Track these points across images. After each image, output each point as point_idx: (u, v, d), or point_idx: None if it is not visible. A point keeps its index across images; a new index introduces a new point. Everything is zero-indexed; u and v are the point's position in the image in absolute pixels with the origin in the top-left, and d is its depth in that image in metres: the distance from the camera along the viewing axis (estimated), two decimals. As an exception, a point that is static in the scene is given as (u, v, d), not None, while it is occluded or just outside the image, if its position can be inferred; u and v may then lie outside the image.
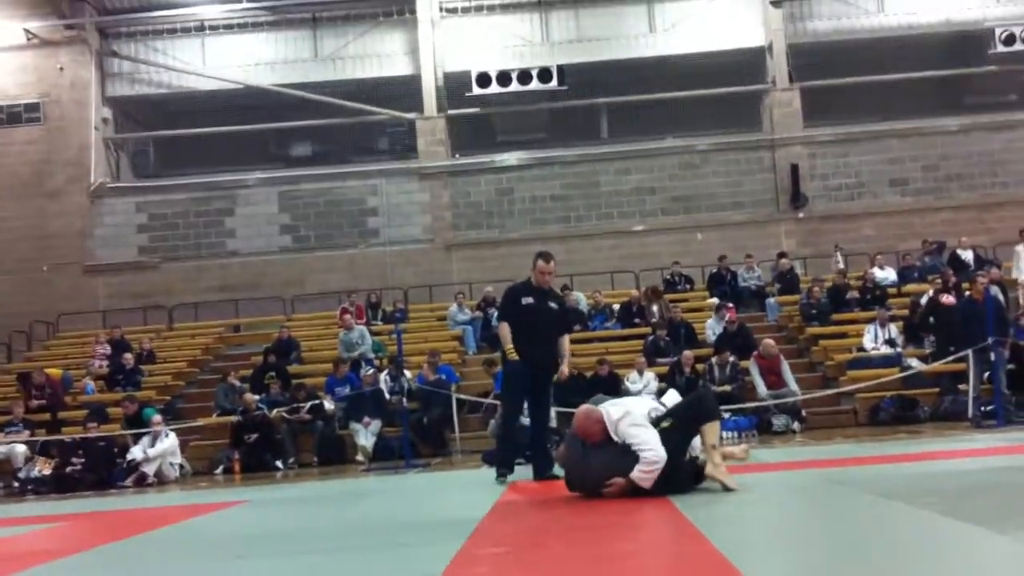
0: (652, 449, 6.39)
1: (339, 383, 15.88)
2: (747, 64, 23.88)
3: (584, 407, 6.86)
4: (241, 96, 24.02)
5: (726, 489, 6.48)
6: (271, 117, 24.24)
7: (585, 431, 6.66)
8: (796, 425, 14.60)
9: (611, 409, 6.68)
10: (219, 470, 14.87)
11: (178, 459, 14.58)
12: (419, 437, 14.87)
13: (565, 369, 8.69)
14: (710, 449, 6.64)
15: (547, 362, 8.61)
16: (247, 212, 23.75)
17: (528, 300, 8.63)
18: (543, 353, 8.57)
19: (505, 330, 8.63)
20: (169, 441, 14.35)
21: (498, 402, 14.10)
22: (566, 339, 8.86)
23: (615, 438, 6.55)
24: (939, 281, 17.08)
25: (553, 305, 8.80)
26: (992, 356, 12.65)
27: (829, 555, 4.33)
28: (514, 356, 8.50)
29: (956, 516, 4.86)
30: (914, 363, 15.48)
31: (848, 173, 23.27)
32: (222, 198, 23.91)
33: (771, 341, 15.79)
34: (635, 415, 6.65)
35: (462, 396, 15.44)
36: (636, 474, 6.37)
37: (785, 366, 15.34)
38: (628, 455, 6.46)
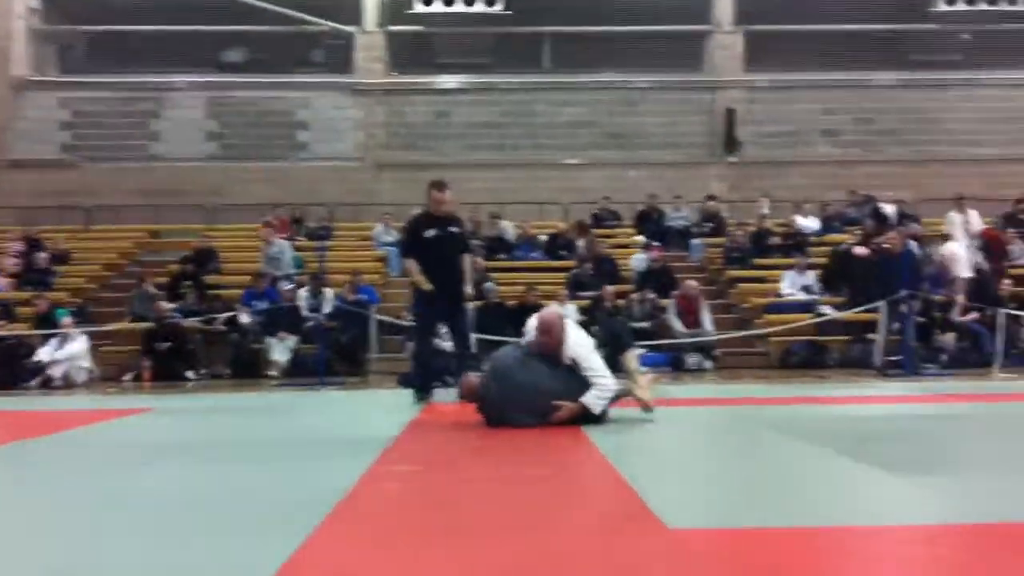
0: (606, 377, 6.50)
1: (257, 296, 15.65)
2: (693, 4, 23.71)
3: (555, 311, 6.87)
4: (176, -5, 23.16)
5: (647, 410, 6.67)
6: (206, 20, 23.41)
7: (550, 334, 6.51)
8: (708, 364, 14.86)
9: (569, 330, 6.70)
10: (128, 377, 14.60)
11: (87, 363, 14.29)
12: (336, 356, 14.77)
13: (468, 288, 9.02)
14: (634, 373, 6.84)
15: (456, 287, 8.88)
16: (174, 116, 23.06)
17: (430, 232, 8.85)
18: (450, 279, 8.81)
19: (412, 264, 8.91)
20: (78, 344, 14.04)
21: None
22: (467, 259, 9.14)
23: (564, 358, 6.52)
24: (859, 233, 17.42)
25: (453, 230, 9.01)
26: (903, 308, 12.95)
27: (728, 487, 4.39)
28: (426, 286, 8.71)
29: (854, 457, 4.96)
30: (828, 310, 15.81)
31: (783, 121, 23.38)
32: (149, 100, 23.15)
33: (693, 282, 15.97)
34: (589, 341, 6.74)
35: (382, 317, 15.35)
36: (591, 400, 6.39)
37: (704, 306, 15.54)
38: (576, 379, 6.46)
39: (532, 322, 6.82)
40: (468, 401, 6.86)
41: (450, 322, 9.07)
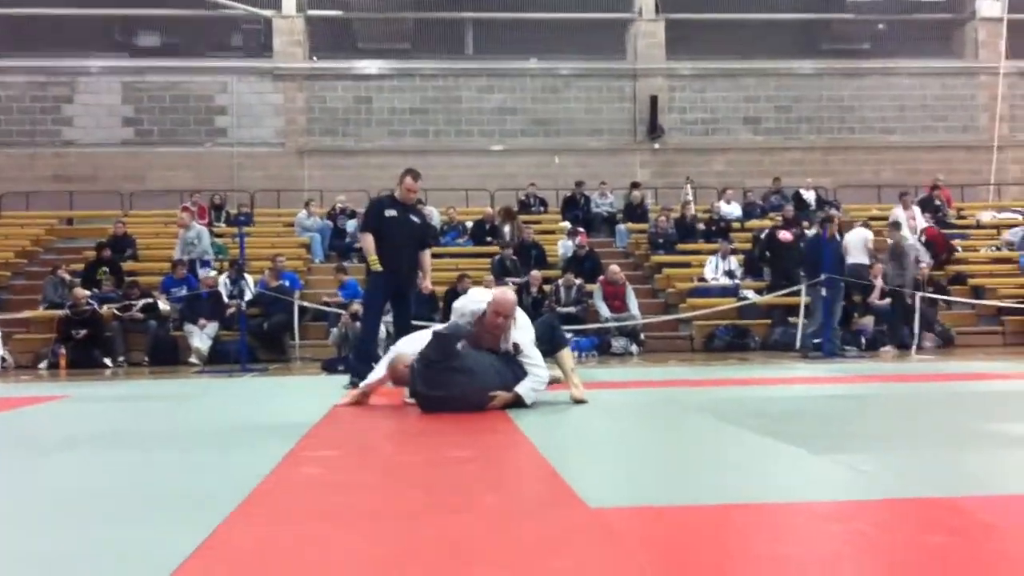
0: (542, 367, 6.54)
1: (176, 283, 15.37)
2: (616, -9, 23.85)
3: (511, 293, 6.84)
4: (89, -24, 22.53)
5: (580, 401, 6.72)
6: (120, 2, 22.85)
7: (507, 315, 6.45)
8: (635, 348, 14.98)
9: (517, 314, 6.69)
10: (44, 365, 14.24)
11: (0, 351, 13.87)
12: (258, 342, 14.61)
13: (427, 282, 9.11)
14: (570, 373, 6.93)
15: (408, 273, 8.86)
16: (87, 101, 22.48)
17: (392, 213, 8.80)
18: (404, 265, 8.79)
19: (369, 240, 8.80)
20: (-10, 333, 13.63)
21: (341, 311, 14.01)
22: (427, 254, 9.14)
23: (504, 344, 6.49)
24: (780, 218, 17.70)
25: (415, 219, 9.00)
26: (823, 292, 13.19)
27: (650, 467, 4.42)
28: (378, 267, 8.67)
29: (773, 436, 5.02)
30: (750, 295, 16.06)
31: (705, 108, 23.67)
32: (62, 84, 22.55)
33: (617, 267, 16.07)
34: (532, 329, 6.78)
35: (305, 303, 15.17)
36: (525, 390, 6.39)
37: (629, 291, 15.66)
38: (510, 367, 6.44)
39: (462, 303, 6.78)
40: (398, 385, 6.78)
41: (396, 306, 9.01)
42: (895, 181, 22.46)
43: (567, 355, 7.05)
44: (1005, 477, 3.96)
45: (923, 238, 17.51)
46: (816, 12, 24.09)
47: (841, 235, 14.00)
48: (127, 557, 2.72)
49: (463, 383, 6.23)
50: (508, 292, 6.90)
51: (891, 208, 18.48)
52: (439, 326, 6.94)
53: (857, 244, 14.60)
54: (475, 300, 6.76)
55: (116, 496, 3.76)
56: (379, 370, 7.15)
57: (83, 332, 14.30)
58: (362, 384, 7.33)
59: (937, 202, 19.94)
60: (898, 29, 24.23)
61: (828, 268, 13.12)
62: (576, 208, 20.15)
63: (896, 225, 15.77)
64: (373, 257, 8.67)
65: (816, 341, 13.59)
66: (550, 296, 15.60)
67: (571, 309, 15.28)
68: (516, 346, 6.53)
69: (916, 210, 18.08)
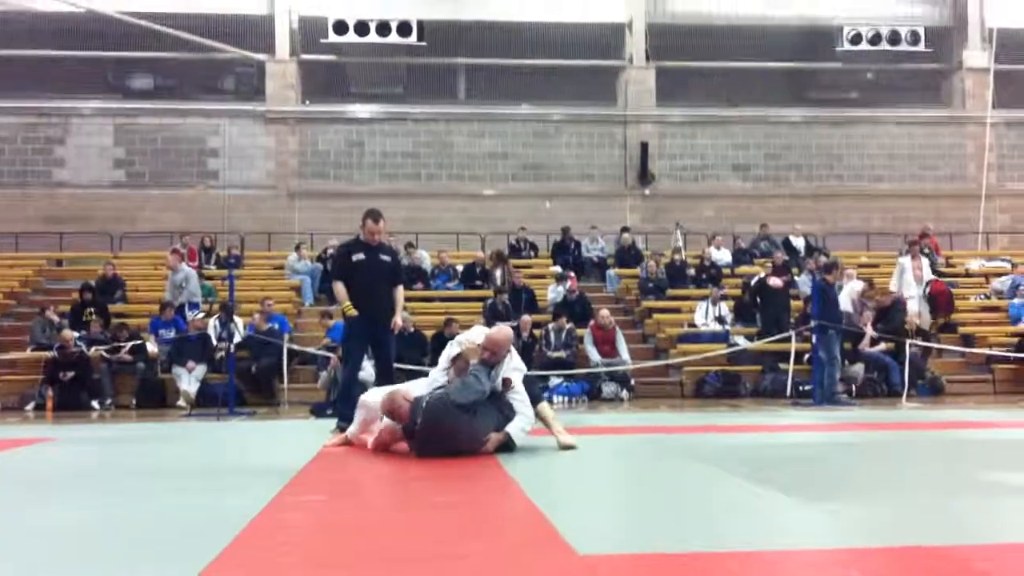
0: (529, 407, 6.57)
1: (164, 325, 15.29)
2: (607, 38, 24.05)
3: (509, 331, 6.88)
4: (83, 20, 22.52)
5: (569, 447, 6.66)
6: (113, 45, 22.92)
7: (500, 349, 6.51)
8: (625, 393, 14.92)
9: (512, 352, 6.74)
10: (30, 406, 14.11)
11: (-15, 393, 13.77)
12: (246, 386, 14.51)
13: (398, 319, 8.90)
14: (552, 421, 6.90)
15: (383, 315, 8.72)
16: (79, 142, 22.48)
17: (359, 256, 8.75)
18: (378, 306, 8.69)
19: (340, 288, 8.76)
20: (-24, 374, 13.51)
21: (330, 354, 13.94)
22: (399, 290, 9.02)
23: (497, 377, 6.50)
24: (770, 264, 17.73)
25: (385, 258, 8.91)
26: (813, 339, 13.19)
27: (639, 513, 4.38)
28: (352, 312, 8.60)
29: (767, 484, 4.98)
30: (740, 341, 16.05)
31: (695, 155, 23.81)
32: (53, 125, 22.55)
33: (607, 312, 16.04)
34: (523, 368, 6.86)
35: (294, 347, 15.10)
36: (515, 430, 6.40)
37: (620, 336, 15.62)
38: (498, 408, 6.43)
39: (450, 350, 6.77)
40: (390, 418, 6.64)
41: (374, 349, 8.95)
42: (884, 228, 22.61)
43: (545, 407, 7.01)
44: (1000, 526, 3.94)
45: (928, 290, 16.57)
46: (805, 61, 24.32)
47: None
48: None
49: (464, 421, 6.20)
50: (505, 328, 6.98)
51: (884, 255, 18.34)
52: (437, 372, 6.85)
53: (845, 294, 14.64)
54: (472, 338, 6.78)
55: (101, 538, 3.71)
56: (356, 421, 7.14)
57: (71, 374, 14.18)
58: (347, 433, 7.31)
59: (926, 250, 20.00)
60: (886, 78, 24.48)
61: (831, 315, 13.12)
62: (566, 253, 20.17)
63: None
64: (347, 303, 8.61)
65: (806, 388, 13.57)
66: (540, 340, 15.56)
67: (561, 353, 15.24)
68: (507, 382, 6.51)
69: (925, 261, 16.93)
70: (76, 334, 14.93)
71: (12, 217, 21.42)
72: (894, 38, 23.06)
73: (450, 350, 6.89)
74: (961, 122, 24.18)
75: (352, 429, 7.24)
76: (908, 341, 14.50)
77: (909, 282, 16.03)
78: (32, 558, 3.34)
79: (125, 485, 5.46)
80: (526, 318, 15.76)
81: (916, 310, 15.75)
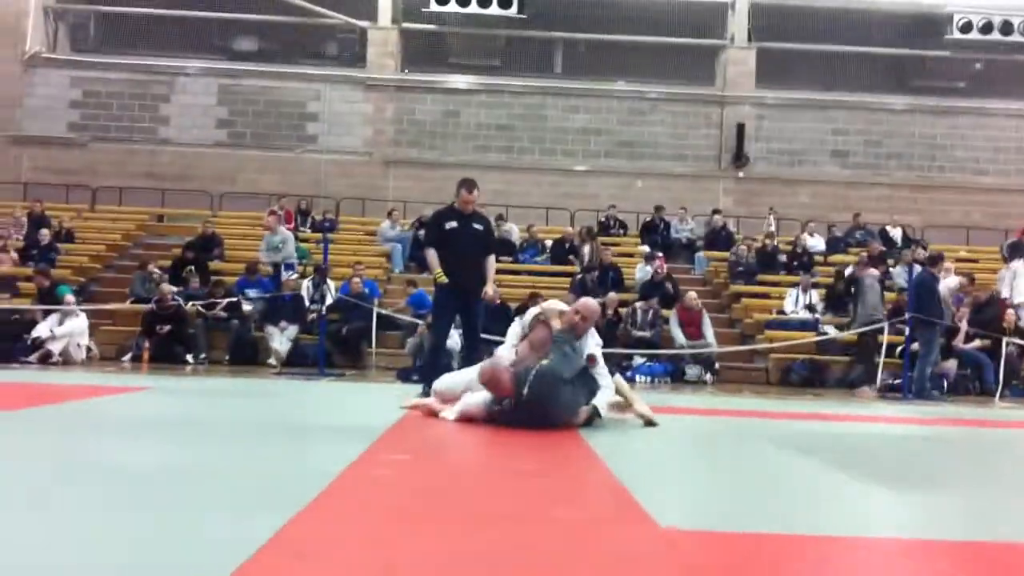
0: (611, 384, 6.64)
1: (250, 285, 15.66)
2: (708, 17, 23.72)
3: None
4: (191, -21, 23.16)
5: (650, 424, 6.66)
6: (219, 6, 23.43)
7: (588, 319, 6.65)
8: (708, 377, 14.83)
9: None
10: (127, 357, 14.59)
11: (86, 341, 14.25)
12: (336, 348, 14.77)
13: (489, 290, 8.92)
14: (629, 393, 6.98)
15: (474, 284, 8.75)
16: (184, 101, 23.06)
17: (452, 224, 8.78)
18: (470, 275, 8.71)
19: (432, 255, 8.82)
20: (78, 321, 14.01)
21: (418, 320, 14.12)
22: (492, 260, 9.03)
23: (582, 353, 6.55)
24: (864, 254, 17.34)
25: (478, 227, 8.92)
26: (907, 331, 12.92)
27: (723, 493, 4.38)
28: (443, 280, 8.66)
29: (851, 471, 4.94)
30: (830, 330, 15.78)
31: (792, 139, 23.40)
32: (160, 83, 23.14)
33: (694, 294, 15.93)
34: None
35: (384, 311, 15.32)
36: (602, 403, 6.45)
37: (706, 319, 15.51)
38: (587, 383, 6.45)
39: (515, 328, 6.98)
40: (490, 389, 6.39)
41: (463, 316, 8.99)
42: (984, 223, 21.95)
43: (622, 382, 7.13)
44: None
45: None
46: (911, 48, 23.66)
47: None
48: (204, 541, 2.80)
49: (568, 393, 6.21)
50: (592, 300, 7.10)
51: (985, 250, 17.81)
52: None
53: (941, 288, 14.29)
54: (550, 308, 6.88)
55: (195, 482, 3.86)
56: (433, 398, 7.19)
57: (167, 327, 14.63)
58: (426, 401, 7.39)
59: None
60: (995, 69, 23.66)
61: (933, 308, 12.82)
62: (655, 233, 20.04)
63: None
64: (438, 270, 8.68)
65: (896, 382, 13.31)
66: (626, 319, 15.52)
67: (646, 333, 15.18)
68: (591, 358, 6.55)
69: None
70: (175, 289, 15.39)
71: (117, 171, 22.08)
72: (1006, 28, 22.27)
73: (515, 328, 6.97)
74: (1074, 116, 23.28)
75: (429, 401, 7.31)
76: (1005, 339, 14.11)
77: (1021, 289, 15.69)
78: (127, 499, 3.47)
79: (216, 434, 5.66)
80: (613, 295, 15.73)
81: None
